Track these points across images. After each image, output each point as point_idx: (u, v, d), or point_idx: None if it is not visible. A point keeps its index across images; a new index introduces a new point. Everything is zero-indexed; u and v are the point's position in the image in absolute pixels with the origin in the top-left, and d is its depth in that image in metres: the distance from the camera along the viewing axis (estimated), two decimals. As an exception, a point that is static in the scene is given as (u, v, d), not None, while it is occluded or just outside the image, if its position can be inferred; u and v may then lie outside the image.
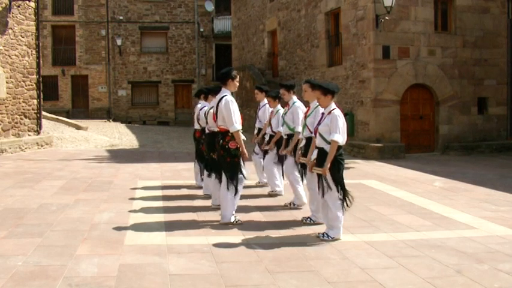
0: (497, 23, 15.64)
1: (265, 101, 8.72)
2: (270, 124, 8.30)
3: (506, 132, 16.02)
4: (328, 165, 5.53)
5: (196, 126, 8.47)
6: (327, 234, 5.70)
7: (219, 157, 6.38)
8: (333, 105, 5.73)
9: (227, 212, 6.25)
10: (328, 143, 5.59)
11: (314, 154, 5.88)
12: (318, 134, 5.77)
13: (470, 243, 5.65)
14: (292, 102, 7.54)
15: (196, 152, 8.58)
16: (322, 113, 5.85)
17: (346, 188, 5.74)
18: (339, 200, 5.67)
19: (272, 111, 8.32)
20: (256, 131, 9.16)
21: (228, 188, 6.19)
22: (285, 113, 7.61)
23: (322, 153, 5.68)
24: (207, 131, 7.30)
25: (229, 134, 6.16)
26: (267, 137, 8.44)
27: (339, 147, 5.59)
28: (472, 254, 5.23)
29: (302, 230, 6.11)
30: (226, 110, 6.10)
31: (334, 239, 5.66)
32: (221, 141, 6.23)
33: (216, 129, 6.47)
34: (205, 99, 8.24)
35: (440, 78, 14.95)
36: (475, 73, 15.44)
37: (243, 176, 6.32)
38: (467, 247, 5.50)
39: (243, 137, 6.26)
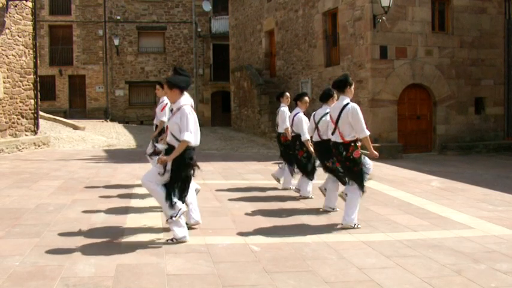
0: (494, 23, 15.68)
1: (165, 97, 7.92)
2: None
3: (503, 132, 16.06)
4: (168, 158, 5.16)
5: (281, 130, 8.61)
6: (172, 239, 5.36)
7: (344, 167, 6.40)
8: (182, 100, 5.32)
9: (352, 215, 6.22)
10: (179, 141, 5.20)
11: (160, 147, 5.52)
12: (168, 131, 5.37)
13: (467, 243, 5.66)
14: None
15: (284, 155, 8.67)
16: (172, 109, 5.46)
17: (186, 192, 5.41)
18: (168, 201, 5.26)
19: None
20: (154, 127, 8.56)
21: (359, 194, 6.27)
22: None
23: (170, 151, 5.26)
24: (316, 139, 7.38)
25: (352, 145, 6.16)
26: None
27: (190, 148, 5.21)
28: (469, 254, 5.24)
29: (300, 230, 6.11)
30: (354, 118, 6.08)
31: (178, 241, 5.30)
32: (344, 153, 6.20)
33: (334, 139, 6.35)
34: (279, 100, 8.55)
35: (438, 78, 14.98)
36: (472, 73, 15.47)
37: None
38: (464, 247, 5.50)
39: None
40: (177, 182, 5.32)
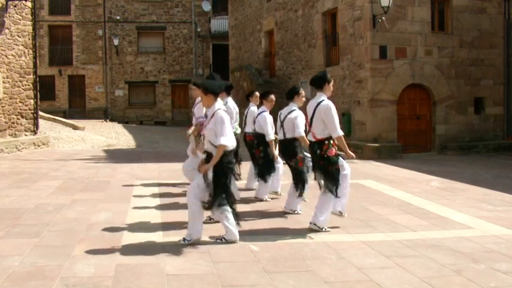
0: (494, 23, 15.67)
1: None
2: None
3: (503, 132, 16.06)
4: (208, 166, 5.24)
5: (248, 130, 8.34)
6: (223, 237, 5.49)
7: (318, 166, 6.09)
8: (217, 105, 5.36)
9: (321, 217, 6.01)
10: (216, 147, 5.24)
11: (203, 158, 5.53)
12: (206, 138, 5.43)
13: (466, 243, 5.66)
14: (225, 102, 7.21)
15: (250, 155, 8.37)
16: (206, 115, 5.52)
17: (232, 199, 5.49)
18: (221, 210, 5.37)
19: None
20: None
21: (335, 195, 5.97)
22: None
23: (209, 158, 5.32)
24: (281, 138, 7.08)
25: (326, 143, 5.93)
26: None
27: (227, 152, 5.26)
28: (468, 254, 5.24)
29: (299, 231, 6.11)
30: (327, 116, 5.85)
31: (228, 242, 5.43)
32: (318, 151, 5.95)
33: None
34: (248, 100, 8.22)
35: (437, 78, 14.97)
36: (472, 73, 15.46)
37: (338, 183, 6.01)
38: (463, 247, 5.50)
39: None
40: (218, 189, 5.31)
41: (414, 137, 15.10)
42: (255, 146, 8.01)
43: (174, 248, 5.21)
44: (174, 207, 7.20)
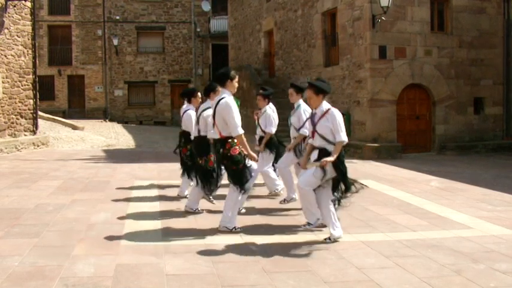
0: (494, 23, 15.68)
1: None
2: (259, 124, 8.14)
3: (503, 132, 16.07)
4: (331, 158, 5.38)
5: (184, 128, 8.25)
6: (329, 238, 5.65)
7: (223, 165, 6.01)
8: (325, 104, 5.59)
9: (227, 216, 5.92)
10: (331, 143, 5.48)
11: (314, 155, 5.64)
12: (317, 135, 5.56)
13: (466, 243, 5.66)
14: (297, 104, 7.40)
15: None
16: (314, 113, 5.64)
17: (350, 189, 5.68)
18: (331, 197, 5.69)
19: (259, 111, 8.16)
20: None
21: (236, 196, 5.85)
22: (290, 115, 7.57)
23: (323, 153, 5.51)
24: (195, 134, 6.93)
25: (229, 141, 5.71)
26: (257, 137, 8.26)
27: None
28: (468, 254, 5.24)
29: (299, 230, 6.10)
30: (226, 114, 5.61)
31: (336, 240, 5.62)
32: (221, 149, 5.77)
33: (216, 136, 5.98)
34: (189, 101, 8.02)
35: (437, 78, 14.98)
36: (471, 73, 15.47)
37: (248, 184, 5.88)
38: (463, 247, 5.51)
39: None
40: (342, 181, 5.60)
41: (414, 137, 15.11)
42: (182, 144, 7.81)
43: (174, 248, 5.21)
44: (174, 207, 7.20)
